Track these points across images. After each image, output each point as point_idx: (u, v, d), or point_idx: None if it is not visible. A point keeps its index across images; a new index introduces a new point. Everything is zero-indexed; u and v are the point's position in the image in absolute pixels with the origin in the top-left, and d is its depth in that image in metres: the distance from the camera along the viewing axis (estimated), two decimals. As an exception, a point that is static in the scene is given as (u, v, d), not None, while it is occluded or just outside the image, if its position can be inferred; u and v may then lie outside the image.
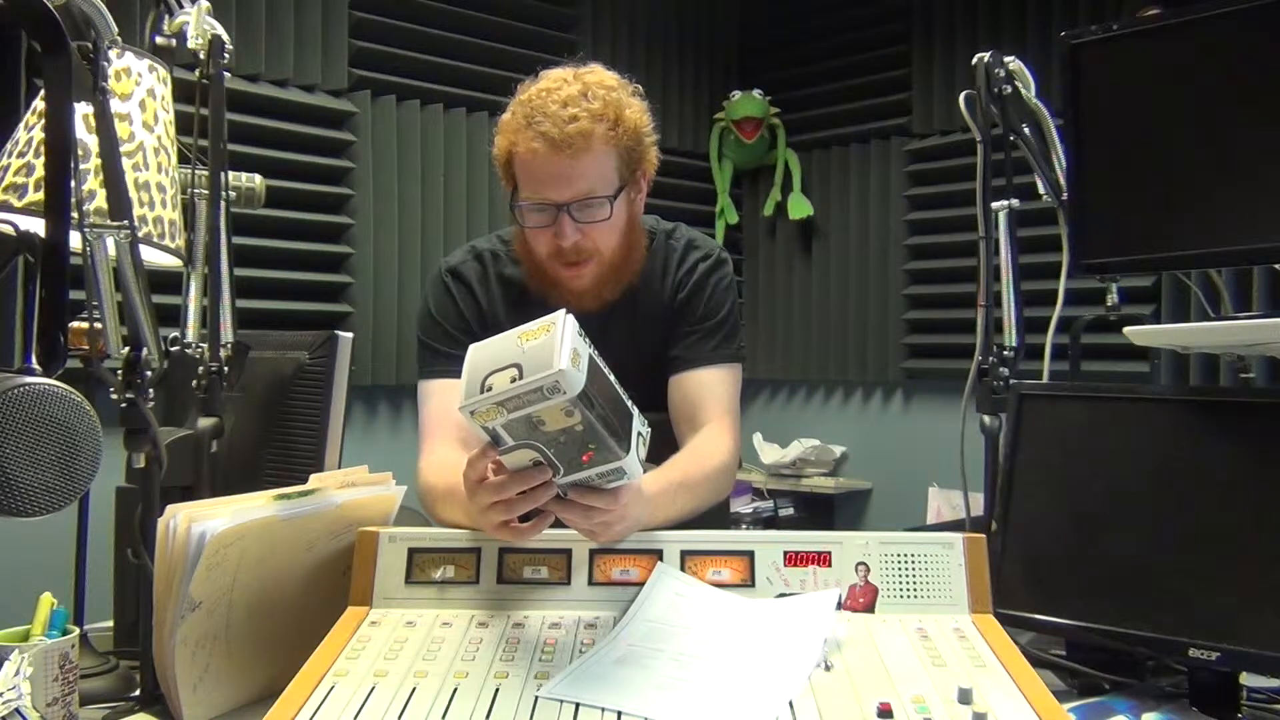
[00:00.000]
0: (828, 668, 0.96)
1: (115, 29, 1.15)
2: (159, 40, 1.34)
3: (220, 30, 1.32)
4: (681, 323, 1.50)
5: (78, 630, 1.10)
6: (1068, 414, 1.28)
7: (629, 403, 1.01)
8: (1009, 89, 1.54)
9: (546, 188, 1.36)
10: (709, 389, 1.47)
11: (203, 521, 0.99)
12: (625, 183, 1.40)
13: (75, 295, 1.00)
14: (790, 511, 3.97)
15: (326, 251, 3.24)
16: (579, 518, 1.05)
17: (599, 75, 1.39)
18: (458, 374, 1.46)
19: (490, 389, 0.94)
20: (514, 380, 0.93)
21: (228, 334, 1.30)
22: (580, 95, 1.34)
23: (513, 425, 0.96)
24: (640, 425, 1.01)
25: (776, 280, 4.37)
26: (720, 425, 1.45)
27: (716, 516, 1.45)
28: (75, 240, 1.05)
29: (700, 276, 1.52)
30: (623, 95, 1.39)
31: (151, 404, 1.16)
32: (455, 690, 0.92)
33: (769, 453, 4.14)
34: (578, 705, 0.89)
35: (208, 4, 1.32)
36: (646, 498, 1.13)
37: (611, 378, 0.99)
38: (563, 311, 0.97)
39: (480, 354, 0.99)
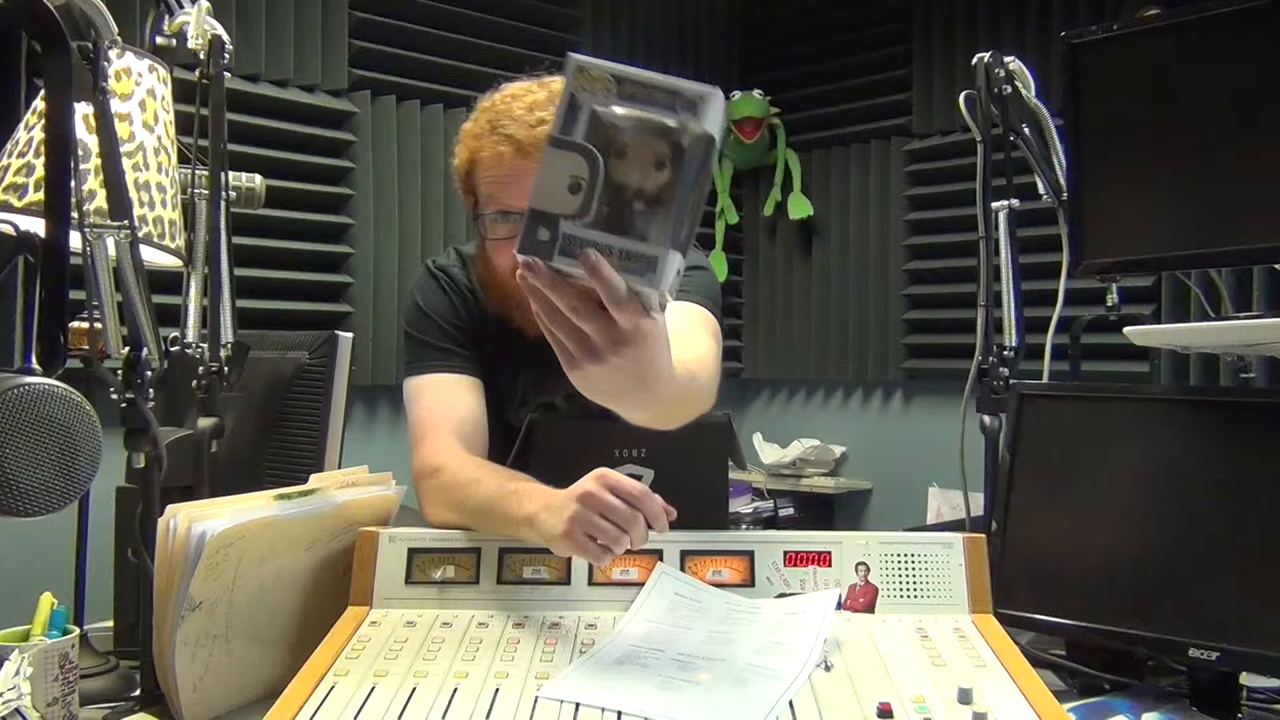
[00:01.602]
0: (828, 668, 0.96)
1: (115, 29, 1.15)
2: (159, 40, 1.34)
3: (220, 30, 1.32)
4: None
5: (78, 630, 1.10)
6: (1068, 414, 1.28)
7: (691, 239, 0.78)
8: (1009, 89, 1.54)
9: (511, 194, 1.29)
10: (686, 314, 1.30)
11: (203, 521, 0.99)
12: None
13: (75, 295, 1.00)
14: (790, 511, 3.96)
15: (326, 251, 3.24)
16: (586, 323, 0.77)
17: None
18: (450, 369, 1.43)
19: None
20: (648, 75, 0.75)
21: (228, 334, 1.30)
22: (547, 101, 1.29)
23: (599, 120, 0.74)
24: (680, 265, 0.77)
25: (776, 280, 4.37)
26: (702, 338, 1.27)
27: (716, 517, 1.45)
28: (75, 240, 1.05)
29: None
30: None
31: (151, 404, 1.16)
32: (455, 690, 0.92)
33: (769, 453, 4.14)
34: (578, 705, 0.89)
35: (208, 4, 1.32)
36: (667, 358, 0.86)
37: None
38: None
39: None
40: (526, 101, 1.29)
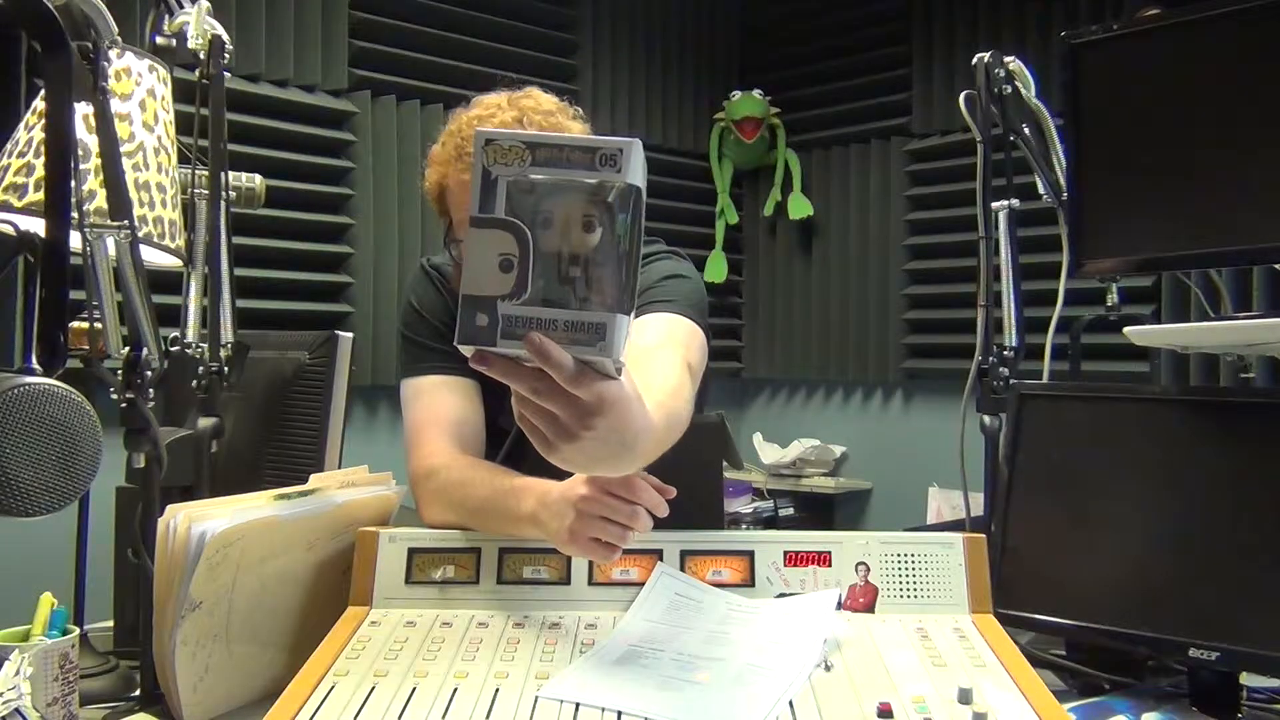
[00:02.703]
0: (828, 668, 0.96)
1: (115, 29, 1.15)
2: (159, 40, 1.34)
3: (220, 30, 1.32)
4: None
5: (78, 630, 1.10)
6: (1068, 414, 1.28)
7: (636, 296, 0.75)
8: (1009, 89, 1.54)
9: None
10: (657, 327, 1.27)
11: (203, 521, 0.99)
12: None
13: (75, 295, 1.00)
14: (790, 511, 3.97)
15: (326, 251, 3.24)
16: (550, 402, 0.74)
17: (535, 100, 1.33)
18: (447, 370, 1.42)
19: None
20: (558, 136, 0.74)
21: (228, 334, 1.30)
22: (515, 123, 1.28)
23: (519, 189, 0.71)
24: (628, 327, 0.74)
25: (776, 280, 4.37)
26: (672, 358, 1.20)
27: (711, 517, 1.44)
28: (75, 240, 1.05)
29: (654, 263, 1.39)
30: (562, 119, 1.33)
31: (151, 404, 1.16)
32: (455, 690, 0.92)
33: (769, 453, 4.14)
34: (578, 705, 0.89)
35: (208, 4, 1.32)
36: (641, 412, 0.83)
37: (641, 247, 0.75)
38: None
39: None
40: (494, 125, 1.27)
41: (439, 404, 1.38)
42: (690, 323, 1.31)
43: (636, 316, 1.05)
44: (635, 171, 0.70)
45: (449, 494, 1.24)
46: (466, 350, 0.72)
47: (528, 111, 1.31)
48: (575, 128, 1.34)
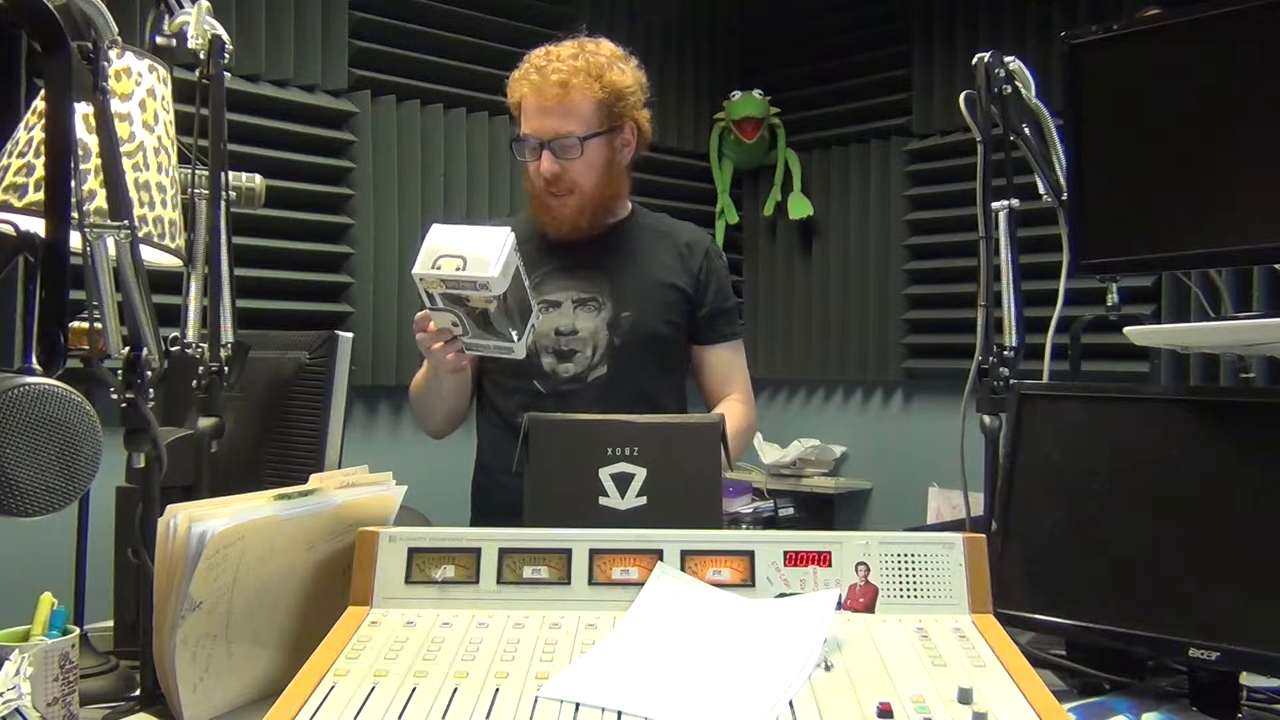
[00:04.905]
0: (828, 668, 0.96)
1: (115, 29, 1.15)
2: (159, 40, 1.34)
3: (220, 30, 1.32)
4: (706, 300, 1.82)
5: (78, 630, 1.10)
6: (1068, 414, 1.28)
7: (534, 305, 1.48)
8: (1009, 89, 1.54)
9: (532, 126, 1.70)
10: (733, 365, 1.86)
11: (203, 521, 0.99)
12: (602, 130, 1.69)
13: (75, 295, 1.00)
14: (790, 511, 3.96)
15: (326, 251, 3.24)
16: None
17: (599, 45, 1.72)
18: None
19: (439, 268, 1.34)
20: (458, 269, 1.33)
21: (228, 334, 1.30)
22: (572, 55, 1.67)
23: (445, 295, 1.39)
24: (535, 319, 1.49)
25: (776, 280, 4.37)
26: (742, 395, 1.86)
27: (708, 517, 1.43)
28: (75, 240, 1.05)
29: (717, 262, 1.86)
30: (612, 60, 1.70)
31: (151, 404, 1.16)
32: (455, 690, 0.92)
33: (769, 453, 4.14)
34: (578, 705, 0.89)
35: (208, 4, 1.32)
36: None
37: (526, 284, 1.44)
38: (508, 229, 1.36)
39: (440, 237, 1.36)
40: (555, 54, 1.69)
41: None
42: (740, 336, 1.89)
43: (721, 342, 1.87)
44: (500, 285, 1.35)
45: (413, 388, 1.76)
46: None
47: (586, 50, 1.71)
48: (623, 69, 1.74)
